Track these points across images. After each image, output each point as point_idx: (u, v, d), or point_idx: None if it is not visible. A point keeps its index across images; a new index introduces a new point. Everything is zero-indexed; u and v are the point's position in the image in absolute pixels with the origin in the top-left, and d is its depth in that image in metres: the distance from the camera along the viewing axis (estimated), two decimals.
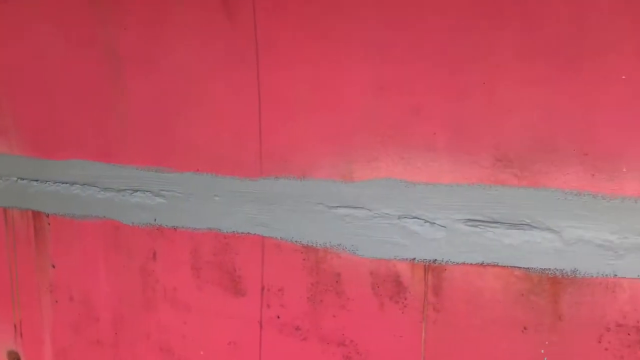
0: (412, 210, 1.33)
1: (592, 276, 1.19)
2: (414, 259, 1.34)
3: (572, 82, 1.17)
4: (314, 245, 1.43)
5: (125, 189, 1.63)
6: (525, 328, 1.25)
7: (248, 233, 1.50)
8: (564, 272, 1.21)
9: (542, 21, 1.17)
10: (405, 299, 1.35)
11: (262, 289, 1.50)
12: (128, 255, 1.66)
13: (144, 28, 1.53)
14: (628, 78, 1.13)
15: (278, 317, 1.49)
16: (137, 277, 1.66)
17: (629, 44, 1.12)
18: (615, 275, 1.17)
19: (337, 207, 1.40)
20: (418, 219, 1.33)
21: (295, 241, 1.45)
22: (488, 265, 1.27)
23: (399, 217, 1.34)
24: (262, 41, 1.41)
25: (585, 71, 1.15)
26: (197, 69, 1.49)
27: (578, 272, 1.20)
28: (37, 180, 1.75)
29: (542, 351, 1.24)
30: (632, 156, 1.14)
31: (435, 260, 1.32)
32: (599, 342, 1.19)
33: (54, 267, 1.79)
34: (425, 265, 1.33)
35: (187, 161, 1.54)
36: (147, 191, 1.60)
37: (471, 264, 1.28)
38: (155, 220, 1.61)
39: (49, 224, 1.76)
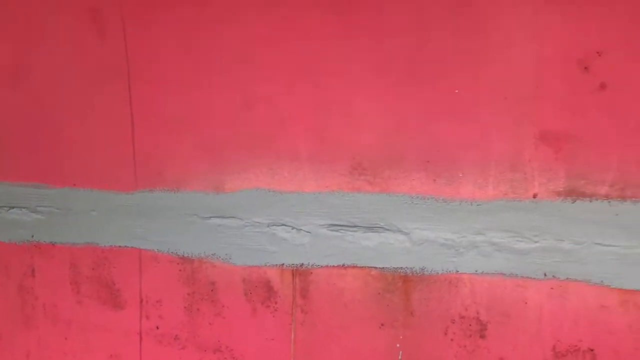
0: (280, 218, 1.40)
1: (438, 273, 1.30)
2: (283, 264, 1.40)
3: (416, 95, 1.28)
4: (190, 255, 1.47)
5: (0, 206, 1.61)
6: (382, 324, 1.34)
7: (125, 246, 1.52)
8: (413, 270, 1.31)
9: (389, 39, 1.28)
10: (276, 303, 1.41)
11: (141, 301, 1.52)
12: (5, 273, 1.63)
13: (16, 40, 1.53)
14: (460, 92, 1.25)
15: (157, 327, 1.51)
16: (16, 295, 1.63)
17: (458, 61, 1.24)
18: (457, 271, 1.28)
19: (211, 217, 1.44)
20: (286, 226, 1.39)
21: (171, 252, 1.48)
22: (348, 267, 1.35)
23: (269, 225, 1.40)
24: (132, 56, 1.45)
25: (426, 86, 1.27)
26: (70, 83, 1.51)
27: (426, 269, 1.30)
28: None
29: (398, 345, 1.33)
30: (466, 162, 1.26)
31: (302, 264, 1.39)
32: (446, 333, 1.30)
33: None
34: (293, 270, 1.40)
35: (64, 176, 1.55)
36: (23, 207, 1.59)
37: (333, 266, 1.36)
38: (32, 236, 1.59)
39: None
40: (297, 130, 1.37)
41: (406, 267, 1.32)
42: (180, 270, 1.48)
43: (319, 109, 1.35)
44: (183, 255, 1.47)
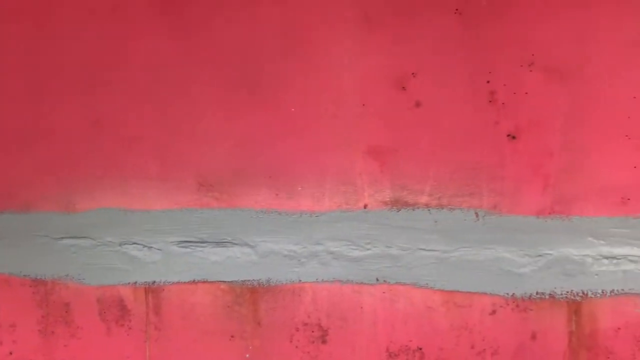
0: (131, 237, 1.41)
1: (282, 283, 1.35)
2: (136, 282, 1.41)
3: (256, 115, 1.33)
4: (43, 277, 1.45)
5: None
6: (232, 336, 1.38)
7: None
8: (260, 282, 1.36)
9: (228, 62, 1.33)
10: (130, 321, 1.42)
11: None
12: None
13: None
14: (296, 111, 1.31)
15: (11, 353, 1.48)
16: None
17: (292, 83, 1.30)
18: (300, 280, 1.34)
19: (62, 238, 1.43)
20: (137, 244, 1.41)
21: (24, 275, 1.46)
22: (199, 282, 1.38)
23: (120, 244, 1.41)
24: None
25: (264, 106, 1.33)
26: None
27: (271, 280, 1.36)
28: None
29: (247, 356, 1.37)
30: (305, 177, 1.32)
31: (154, 282, 1.40)
32: (291, 341, 1.35)
33: None
34: (145, 288, 1.41)
35: None
36: None
37: (185, 282, 1.39)
38: None
39: None
40: (145, 149, 1.39)
41: (253, 280, 1.36)
42: (33, 292, 1.46)
43: (166, 129, 1.38)
44: (36, 277, 1.45)
